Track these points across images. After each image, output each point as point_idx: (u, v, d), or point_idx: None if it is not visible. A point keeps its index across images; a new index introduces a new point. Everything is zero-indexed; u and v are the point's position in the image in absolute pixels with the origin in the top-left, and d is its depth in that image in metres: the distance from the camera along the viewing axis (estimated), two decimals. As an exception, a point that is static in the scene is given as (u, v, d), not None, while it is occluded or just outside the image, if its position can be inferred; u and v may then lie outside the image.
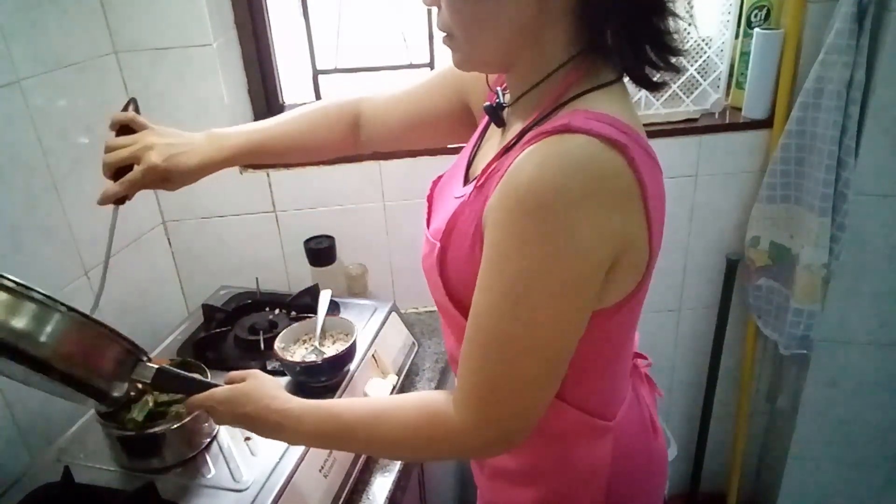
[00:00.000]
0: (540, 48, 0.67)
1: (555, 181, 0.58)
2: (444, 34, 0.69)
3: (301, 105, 1.01)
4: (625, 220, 0.61)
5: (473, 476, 0.95)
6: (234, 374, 0.83)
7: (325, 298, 1.22)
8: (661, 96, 1.47)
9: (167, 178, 0.90)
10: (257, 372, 0.82)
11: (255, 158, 0.98)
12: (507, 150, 0.69)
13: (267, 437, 0.78)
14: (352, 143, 1.01)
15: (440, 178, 0.89)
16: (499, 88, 0.79)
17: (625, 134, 0.60)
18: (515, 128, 0.71)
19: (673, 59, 0.65)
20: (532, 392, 0.66)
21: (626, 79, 0.68)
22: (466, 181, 0.79)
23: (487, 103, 0.77)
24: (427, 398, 0.73)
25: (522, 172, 0.59)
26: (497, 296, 0.63)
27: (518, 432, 0.68)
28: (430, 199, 0.87)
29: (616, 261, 0.63)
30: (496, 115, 0.76)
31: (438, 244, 0.74)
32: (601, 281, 0.63)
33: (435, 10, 0.69)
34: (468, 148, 0.85)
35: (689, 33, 1.45)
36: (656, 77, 0.67)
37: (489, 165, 0.70)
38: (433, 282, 0.76)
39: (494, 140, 0.79)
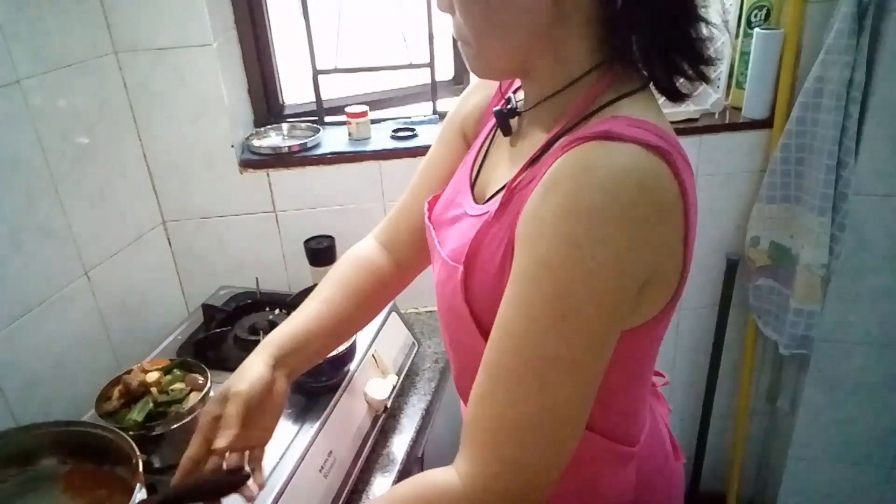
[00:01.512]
0: (559, 55, 0.64)
1: (605, 186, 0.53)
2: (461, 42, 0.67)
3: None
4: (666, 234, 0.57)
5: None
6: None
7: None
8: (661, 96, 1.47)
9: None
10: None
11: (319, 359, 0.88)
12: (532, 161, 0.64)
13: None
14: (398, 280, 0.92)
15: (436, 198, 0.83)
16: (511, 94, 0.75)
17: (665, 141, 0.57)
18: (535, 137, 0.68)
19: (704, 69, 0.62)
20: (570, 428, 0.56)
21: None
22: (475, 198, 0.74)
23: (497, 108, 0.73)
24: (423, 477, 0.62)
25: (568, 177, 0.55)
26: (539, 310, 0.55)
27: (543, 485, 0.56)
28: (431, 221, 0.80)
29: (651, 277, 0.58)
30: (505, 121, 0.73)
31: (461, 267, 0.67)
32: (636, 297, 0.58)
33: (448, 15, 0.67)
34: (468, 165, 0.80)
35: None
36: (684, 88, 0.63)
37: (514, 180, 0.65)
38: (455, 309, 0.69)
39: (503, 155, 0.75)
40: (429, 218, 0.81)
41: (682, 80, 0.62)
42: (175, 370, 1.06)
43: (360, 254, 0.92)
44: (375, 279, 0.89)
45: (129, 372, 1.03)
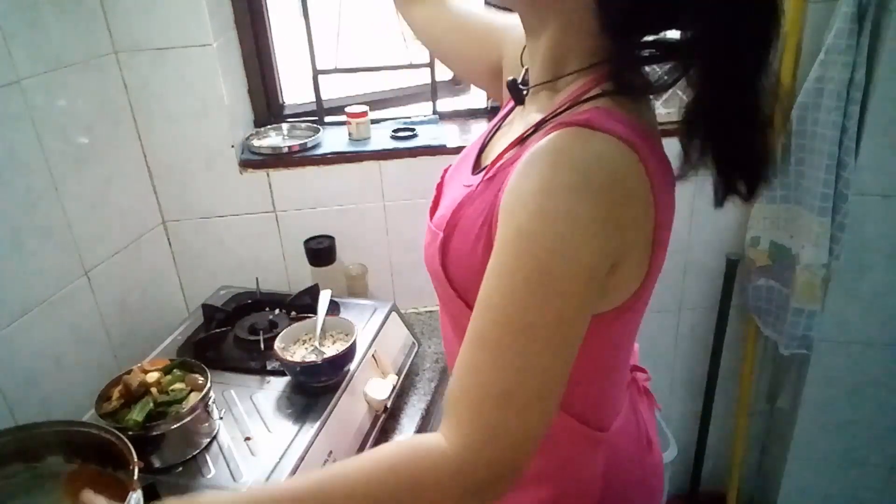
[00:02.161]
0: (565, 47, 0.66)
1: (578, 167, 0.57)
2: None
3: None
4: (635, 219, 0.60)
5: None
6: None
7: (325, 298, 1.22)
8: (661, 96, 1.47)
9: None
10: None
11: None
12: (521, 140, 0.68)
13: None
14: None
15: (450, 166, 0.88)
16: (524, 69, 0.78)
17: (641, 140, 0.60)
18: (530, 117, 0.71)
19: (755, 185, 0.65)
20: (550, 396, 0.58)
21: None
22: (476, 169, 0.77)
23: (511, 78, 0.75)
24: (407, 439, 0.63)
25: (546, 157, 0.58)
26: (521, 279, 0.56)
27: (529, 451, 0.58)
28: (439, 187, 0.85)
29: (619, 259, 0.61)
30: (518, 91, 0.74)
31: (441, 234, 0.71)
32: (605, 278, 0.60)
33: None
34: (482, 135, 0.84)
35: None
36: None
37: (500, 157, 0.69)
38: (434, 273, 0.74)
39: (511, 129, 0.78)
40: (438, 185, 0.85)
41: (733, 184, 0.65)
42: (175, 370, 1.06)
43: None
44: None
45: (129, 372, 1.04)
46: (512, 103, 0.83)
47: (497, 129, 0.82)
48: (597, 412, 0.76)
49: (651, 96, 0.71)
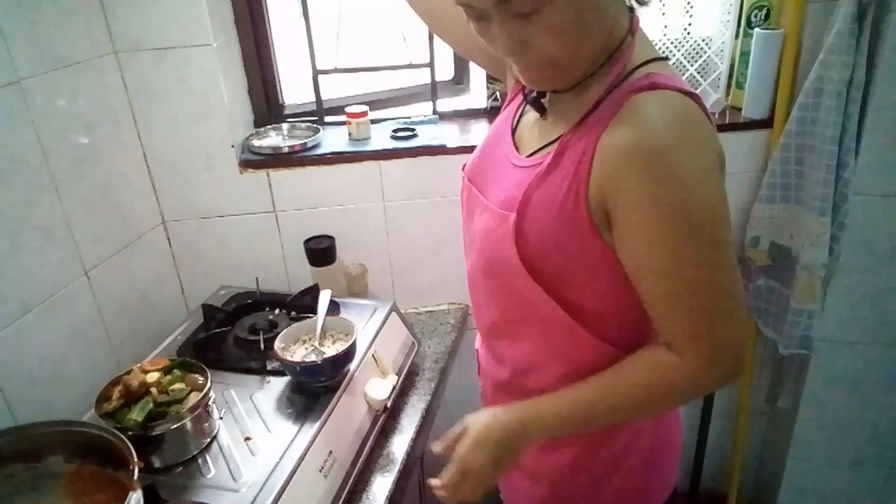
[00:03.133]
0: (605, 37, 0.72)
1: (671, 123, 0.66)
2: (545, 68, 0.71)
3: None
4: (720, 150, 0.71)
5: None
6: (450, 436, 0.84)
7: (325, 298, 1.22)
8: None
9: None
10: (468, 418, 0.83)
11: None
12: (583, 119, 0.73)
13: (522, 451, 0.80)
14: None
15: (470, 162, 0.92)
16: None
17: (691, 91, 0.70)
18: (565, 109, 0.77)
19: None
20: (740, 312, 0.72)
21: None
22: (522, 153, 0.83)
23: (533, 95, 0.81)
24: (646, 356, 0.76)
25: (643, 123, 0.66)
26: (687, 229, 0.67)
27: (741, 356, 0.73)
28: (470, 179, 0.89)
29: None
30: (539, 105, 0.81)
31: (514, 214, 0.75)
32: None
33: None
34: (507, 125, 0.88)
35: (688, 32, 1.45)
36: None
37: (565, 136, 0.74)
38: (502, 258, 0.78)
39: (529, 128, 0.84)
40: (467, 176, 0.90)
41: None
42: (175, 370, 1.06)
43: None
44: None
45: (129, 372, 1.04)
46: (519, 93, 0.87)
47: (521, 114, 0.88)
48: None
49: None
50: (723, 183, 0.70)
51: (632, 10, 0.75)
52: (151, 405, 0.98)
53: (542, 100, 0.81)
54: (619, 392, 0.76)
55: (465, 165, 0.93)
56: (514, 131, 0.87)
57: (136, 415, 0.96)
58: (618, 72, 0.71)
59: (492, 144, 0.89)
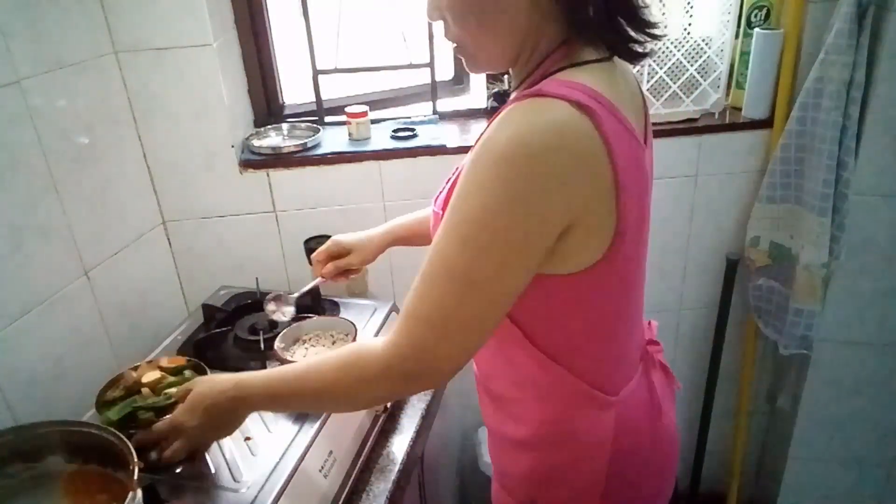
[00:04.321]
0: (536, 41, 0.72)
1: (520, 136, 0.62)
2: (455, 45, 0.74)
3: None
4: (586, 184, 0.64)
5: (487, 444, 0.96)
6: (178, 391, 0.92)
7: (315, 282, 1.22)
8: (662, 96, 1.47)
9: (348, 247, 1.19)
10: (197, 378, 0.91)
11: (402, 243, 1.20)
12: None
13: (234, 421, 0.86)
14: None
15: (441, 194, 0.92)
16: (506, 76, 0.86)
17: (594, 100, 0.64)
18: None
19: (650, 31, 0.71)
20: (464, 330, 0.68)
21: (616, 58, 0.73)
22: None
23: (496, 90, 0.84)
24: (359, 341, 0.78)
25: (494, 131, 0.64)
26: (451, 232, 0.66)
27: (441, 370, 0.70)
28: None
29: (572, 224, 0.66)
30: (504, 100, 0.83)
31: (441, 212, 0.77)
32: (551, 240, 0.66)
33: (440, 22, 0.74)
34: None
35: (688, 32, 1.45)
36: (640, 48, 0.72)
37: (479, 139, 0.74)
38: None
39: None
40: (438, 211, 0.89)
41: (634, 44, 0.71)
42: (186, 371, 1.05)
43: None
44: None
45: (136, 367, 1.04)
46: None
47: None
48: (603, 376, 0.80)
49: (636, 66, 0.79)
50: (551, 214, 0.64)
51: (566, 38, 0.71)
52: (130, 408, 0.97)
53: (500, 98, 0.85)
54: (315, 371, 0.77)
55: (436, 199, 0.89)
56: None
57: (114, 414, 0.95)
58: (535, 78, 0.71)
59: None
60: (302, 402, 0.86)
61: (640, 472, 0.87)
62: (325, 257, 1.19)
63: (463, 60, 0.77)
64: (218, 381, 0.86)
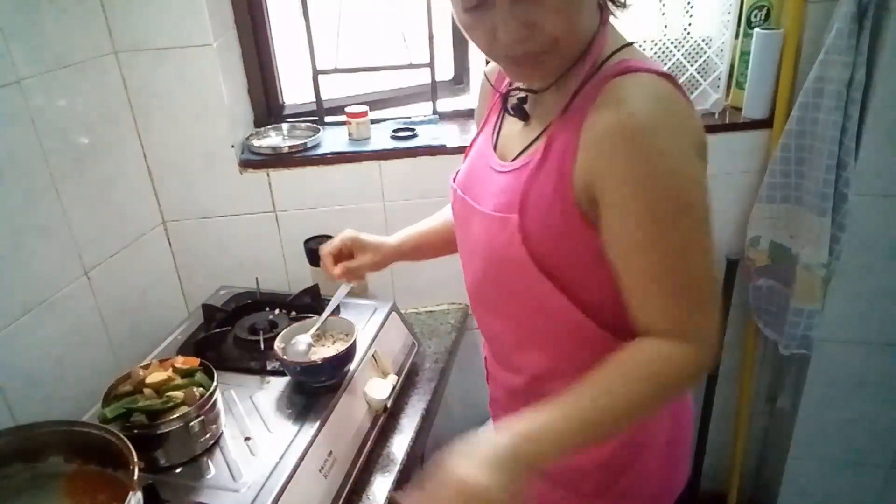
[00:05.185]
0: (583, 27, 0.72)
1: (648, 103, 0.66)
2: (543, 53, 0.71)
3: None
4: (699, 125, 0.72)
5: None
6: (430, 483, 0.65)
7: (343, 291, 1.20)
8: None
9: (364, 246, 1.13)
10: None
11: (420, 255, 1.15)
12: (564, 110, 0.74)
13: (527, 472, 0.64)
14: None
15: (459, 175, 0.92)
16: (520, 84, 0.83)
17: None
18: (546, 107, 0.78)
19: None
20: (718, 297, 0.72)
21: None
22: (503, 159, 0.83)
23: (515, 101, 0.82)
24: (642, 348, 0.71)
25: (624, 106, 0.66)
26: (674, 207, 0.67)
27: (719, 343, 0.72)
28: (462, 190, 0.89)
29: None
30: (522, 110, 0.81)
31: (516, 215, 0.75)
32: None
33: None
34: (486, 140, 0.88)
35: (688, 32, 1.45)
36: None
37: (549, 129, 0.75)
38: (509, 259, 0.77)
39: (511, 133, 0.85)
40: (458, 188, 0.90)
41: None
42: (197, 374, 1.05)
43: None
44: None
45: (147, 366, 1.04)
46: (494, 112, 0.89)
47: (499, 128, 0.87)
48: None
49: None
50: (703, 164, 0.71)
51: (602, 6, 0.75)
52: (124, 408, 0.96)
53: (525, 105, 0.82)
54: (619, 395, 0.68)
55: (454, 178, 0.92)
56: (495, 147, 0.86)
57: (109, 412, 0.95)
58: (592, 61, 0.73)
59: (476, 159, 0.89)
60: (603, 433, 0.72)
61: (685, 451, 0.96)
62: (337, 249, 1.14)
63: (535, 68, 0.73)
64: (492, 437, 0.66)
